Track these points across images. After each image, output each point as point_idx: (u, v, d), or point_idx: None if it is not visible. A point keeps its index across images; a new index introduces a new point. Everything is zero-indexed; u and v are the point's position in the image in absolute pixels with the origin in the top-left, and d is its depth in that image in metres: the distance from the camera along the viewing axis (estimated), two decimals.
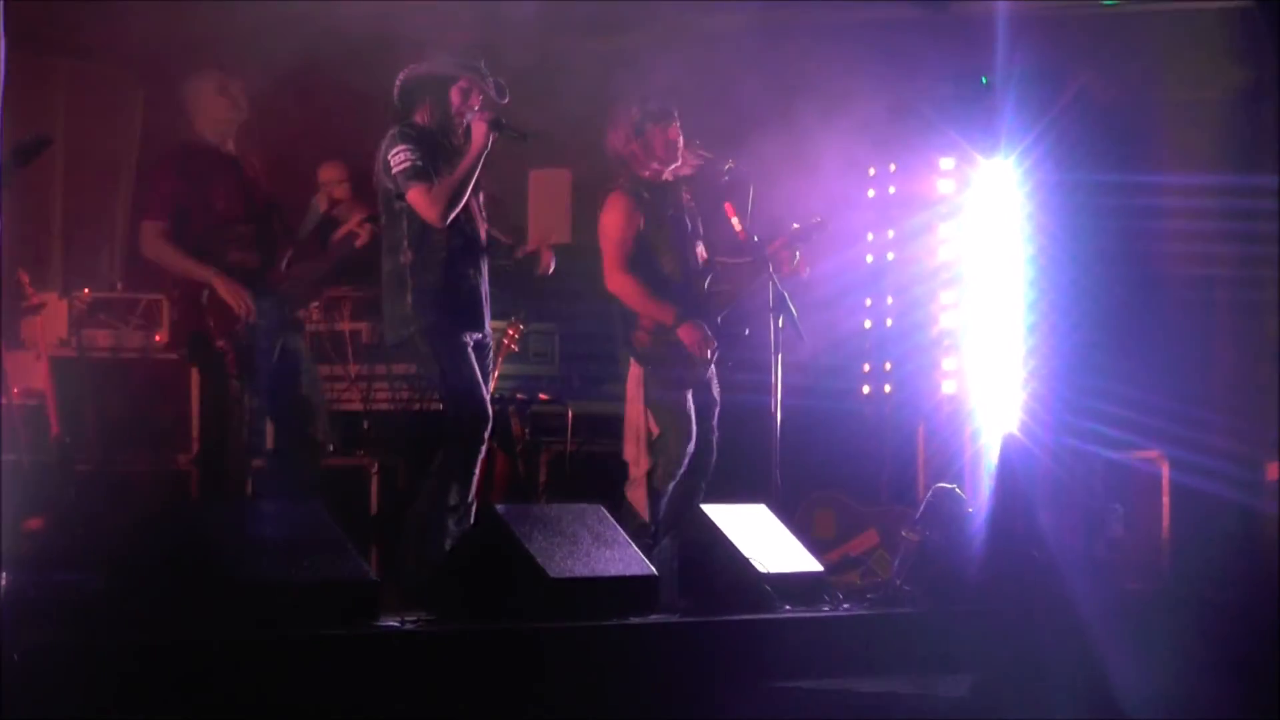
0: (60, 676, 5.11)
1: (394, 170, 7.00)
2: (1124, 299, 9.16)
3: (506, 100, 7.14)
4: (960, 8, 9.40)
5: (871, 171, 9.56)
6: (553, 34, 8.97)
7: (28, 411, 7.73)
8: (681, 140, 7.60)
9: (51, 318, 8.08)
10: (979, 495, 8.14)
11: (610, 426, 8.01)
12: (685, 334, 7.48)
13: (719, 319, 7.61)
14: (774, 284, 7.61)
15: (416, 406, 8.33)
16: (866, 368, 9.58)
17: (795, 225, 7.72)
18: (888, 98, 9.12)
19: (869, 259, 9.57)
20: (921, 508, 7.85)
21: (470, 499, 7.03)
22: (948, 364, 9.46)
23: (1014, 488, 8.04)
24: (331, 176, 8.76)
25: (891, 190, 9.57)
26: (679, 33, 9.34)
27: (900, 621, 7.13)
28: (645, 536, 7.26)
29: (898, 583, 7.59)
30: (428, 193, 6.96)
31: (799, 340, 7.67)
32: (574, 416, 8.83)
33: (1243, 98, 9.39)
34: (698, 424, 7.55)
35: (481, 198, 7.24)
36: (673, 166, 7.61)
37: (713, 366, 7.63)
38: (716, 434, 7.66)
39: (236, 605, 5.69)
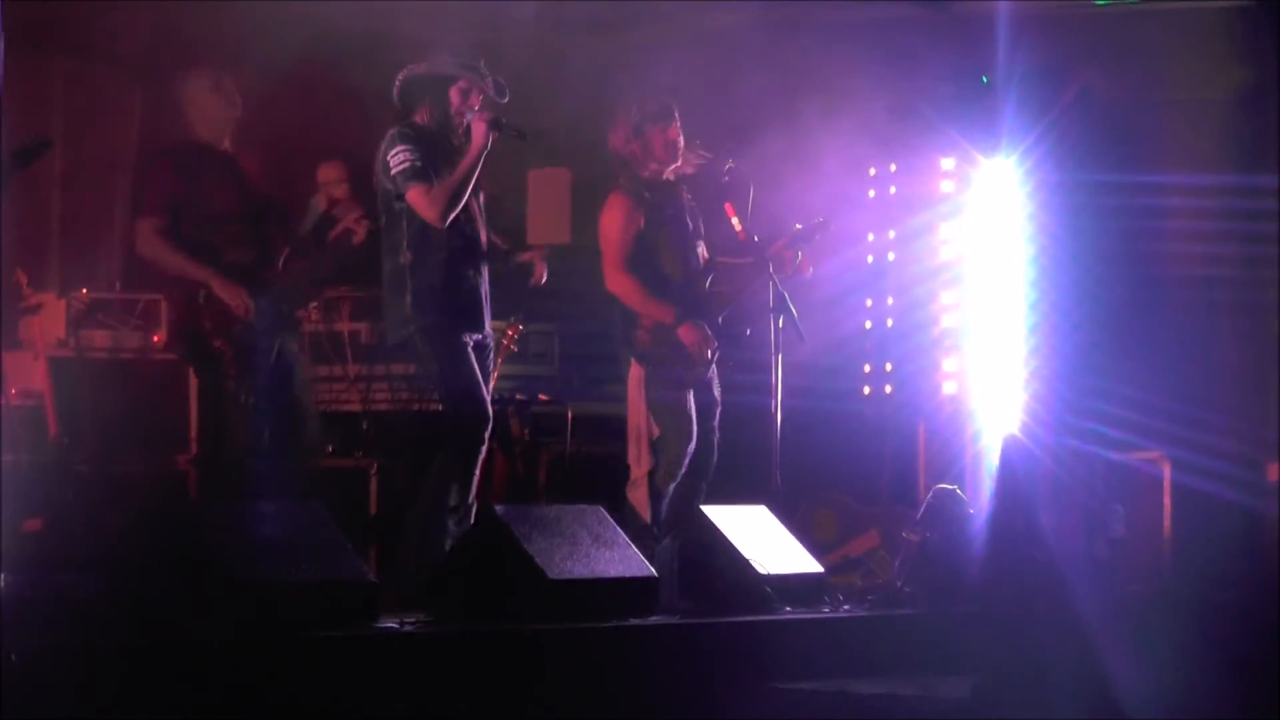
0: (59, 677, 5.12)
1: (393, 171, 6.99)
2: (1125, 299, 9.15)
3: (506, 100, 7.13)
4: (961, 7, 9.39)
5: (872, 171, 9.55)
6: (553, 33, 8.96)
7: (26, 412, 7.72)
8: (682, 140, 7.59)
9: (49, 318, 8.07)
10: (980, 496, 8.13)
11: (610, 427, 8.01)
12: (685, 334, 7.47)
13: (719, 319, 7.60)
14: (774, 284, 7.60)
15: (416, 407, 8.31)
16: (867, 368, 9.58)
17: (797, 225, 7.71)
18: (888, 97, 9.12)
19: (870, 259, 9.56)
20: (922, 508, 7.85)
21: (470, 500, 7.03)
22: (949, 364, 9.45)
23: (1015, 488, 8.02)
24: (331, 176, 8.74)
25: (892, 190, 9.56)
26: (679, 32, 9.33)
27: (901, 622, 7.12)
28: (648, 538, 7.24)
29: (898, 584, 7.59)
30: (427, 193, 6.95)
31: (799, 340, 7.66)
32: (573, 417, 8.82)
33: (1244, 97, 9.38)
34: (699, 425, 7.54)
35: (482, 198, 7.23)
36: (673, 166, 7.60)
37: (714, 367, 7.61)
38: (718, 435, 7.65)
39: (235, 606, 5.69)
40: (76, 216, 9.45)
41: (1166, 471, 8.85)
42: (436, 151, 7.03)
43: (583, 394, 8.96)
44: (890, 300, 9.54)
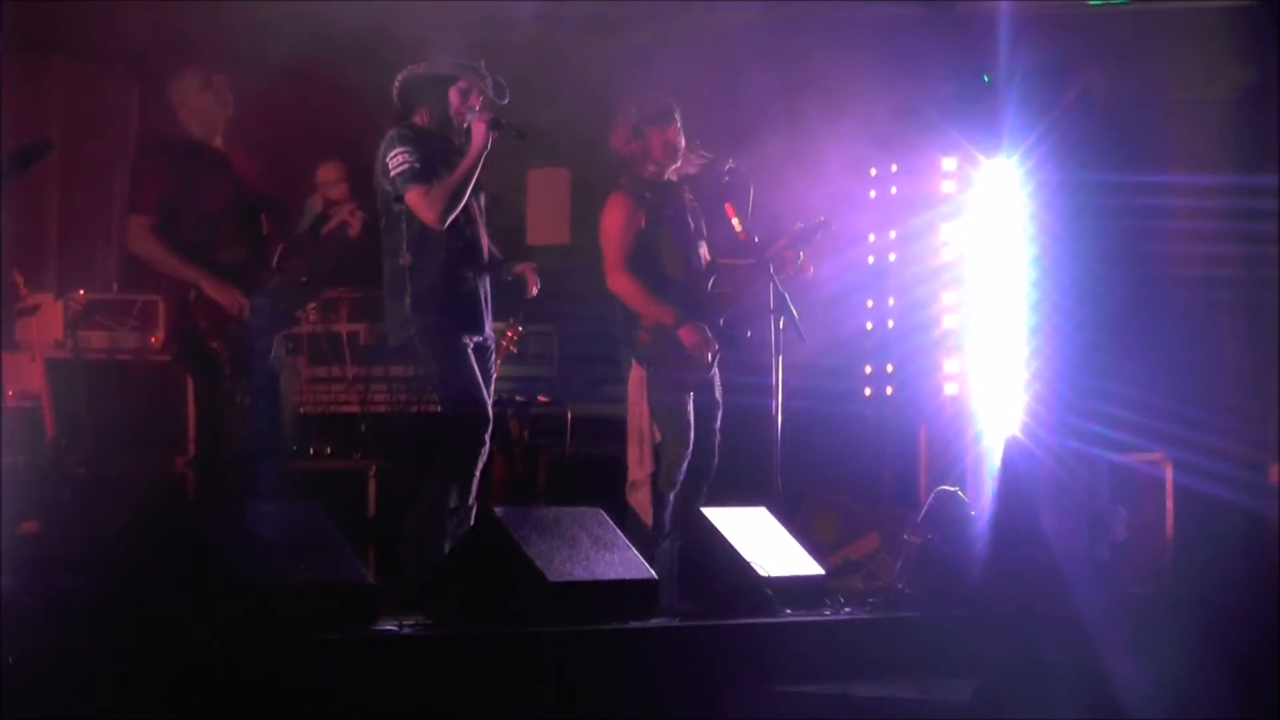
0: (56, 679, 5.12)
1: (392, 173, 6.97)
2: (1127, 300, 9.14)
3: (506, 101, 7.11)
4: (963, 7, 9.38)
5: (873, 171, 9.54)
6: (552, 33, 8.95)
7: (23, 414, 7.70)
8: (683, 141, 7.57)
9: (46, 319, 8.05)
10: (981, 498, 8.12)
11: (610, 429, 7.98)
12: (686, 336, 7.45)
13: (720, 321, 7.58)
14: (775, 285, 7.58)
15: (415, 409, 8.29)
16: (868, 369, 9.55)
17: (798, 225, 7.69)
18: (890, 97, 9.10)
19: (871, 260, 9.54)
20: (923, 510, 7.84)
21: (470, 502, 7.01)
22: (950, 366, 9.43)
23: (1016, 490, 8.01)
24: (330, 176, 8.74)
25: (893, 190, 9.54)
26: (680, 32, 9.31)
27: (902, 625, 7.12)
28: (650, 541, 7.22)
29: (899, 586, 7.58)
30: (426, 194, 6.93)
31: (800, 341, 7.64)
32: (573, 418, 8.80)
33: (1246, 97, 9.37)
34: (700, 427, 7.52)
35: (483, 199, 7.21)
36: (674, 167, 7.58)
37: (715, 369, 7.59)
38: (719, 437, 7.63)
39: (233, 608, 5.67)
40: (74, 217, 9.44)
41: (1168, 473, 8.83)
42: (436, 153, 7.01)
43: (582, 395, 8.94)
44: (891, 301, 9.52)
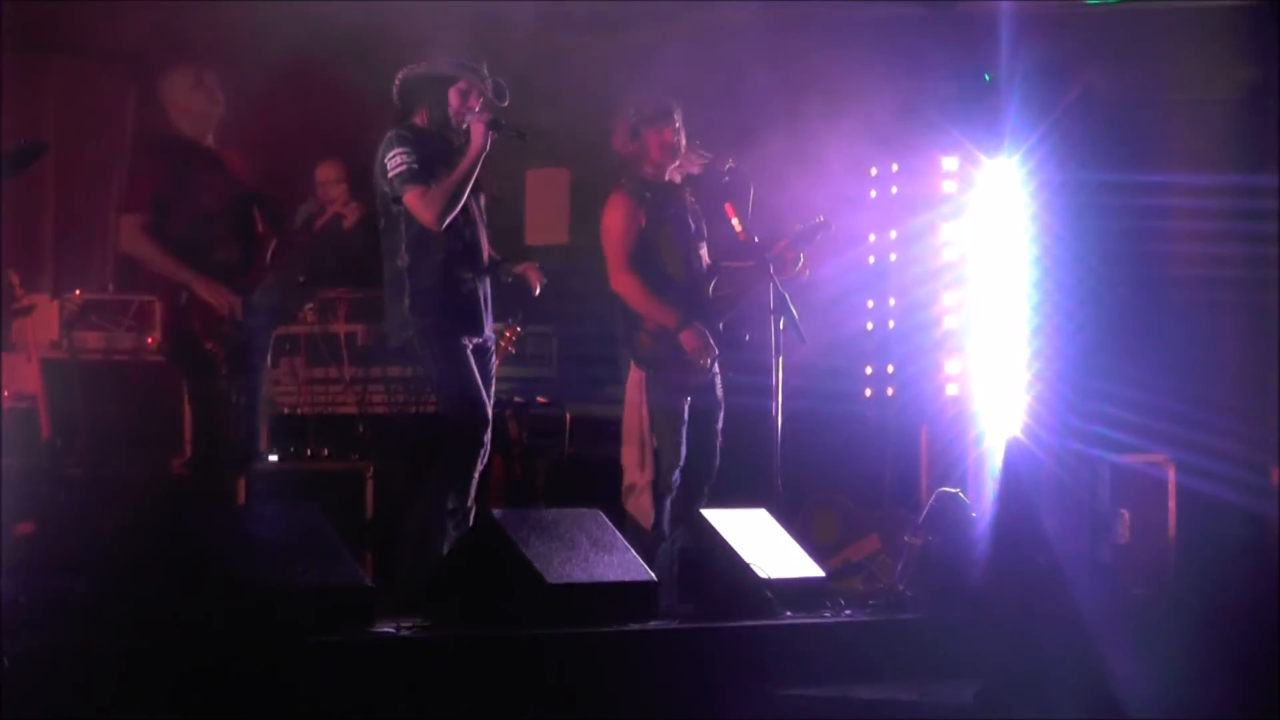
0: (53, 680, 5.11)
1: (390, 174, 6.95)
2: (1129, 300, 9.13)
3: (507, 103, 7.08)
4: (964, 7, 9.37)
5: (874, 171, 9.53)
6: (553, 33, 8.93)
7: (18, 415, 7.69)
8: (683, 140, 7.55)
9: (42, 320, 8.05)
10: (982, 499, 8.11)
11: (609, 430, 7.96)
12: (687, 340, 7.44)
13: (720, 325, 7.56)
14: (775, 285, 7.56)
15: (413, 410, 8.28)
16: (869, 370, 9.53)
17: (798, 226, 7.68)
18: (891, 97, 9.07)
19: (871, 260, 9.53)
20: (924, 512, 7.83)
21: (469, 503, 6.99)
22: (951, 366, 9.40)
23: (1018, 492, 7.99)
24: (329, 176, 8.72)
25: (894, 190, 9.53)
26: (680, 31, 9.29)
27: (902, 627, 7.10)
28: (651, 545, 7.20)
29: (900, 588, 7.56)
30: (424, 196, 6.91)
31: (800, 342, 7.63)
32: (572, 419, 8.79)
33: (1246, 97, 9.36)
34: (702, 428, 7.53)
35: (483, 200, 7.18)
36: (674, 166, 7.57)
37: (716, 369, 7.57)
38: (720, 438, 7.61)
39: (230, 610, 5.66)
40: (70, 217, 9.43)
41: (1171, 475, 8.81)
42: (435, 153, 7.00)
43: (581, 396, 8.92)
44: (892, 301, 9.51)
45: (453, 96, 7.07)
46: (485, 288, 7.14)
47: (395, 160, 6.94)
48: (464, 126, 7.02)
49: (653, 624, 6.52)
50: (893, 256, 9.52)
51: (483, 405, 7.01)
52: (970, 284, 9.34)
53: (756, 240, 7.62)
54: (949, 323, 9.41)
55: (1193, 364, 9.26)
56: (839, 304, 9.25)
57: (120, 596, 5.77)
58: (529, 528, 6.49)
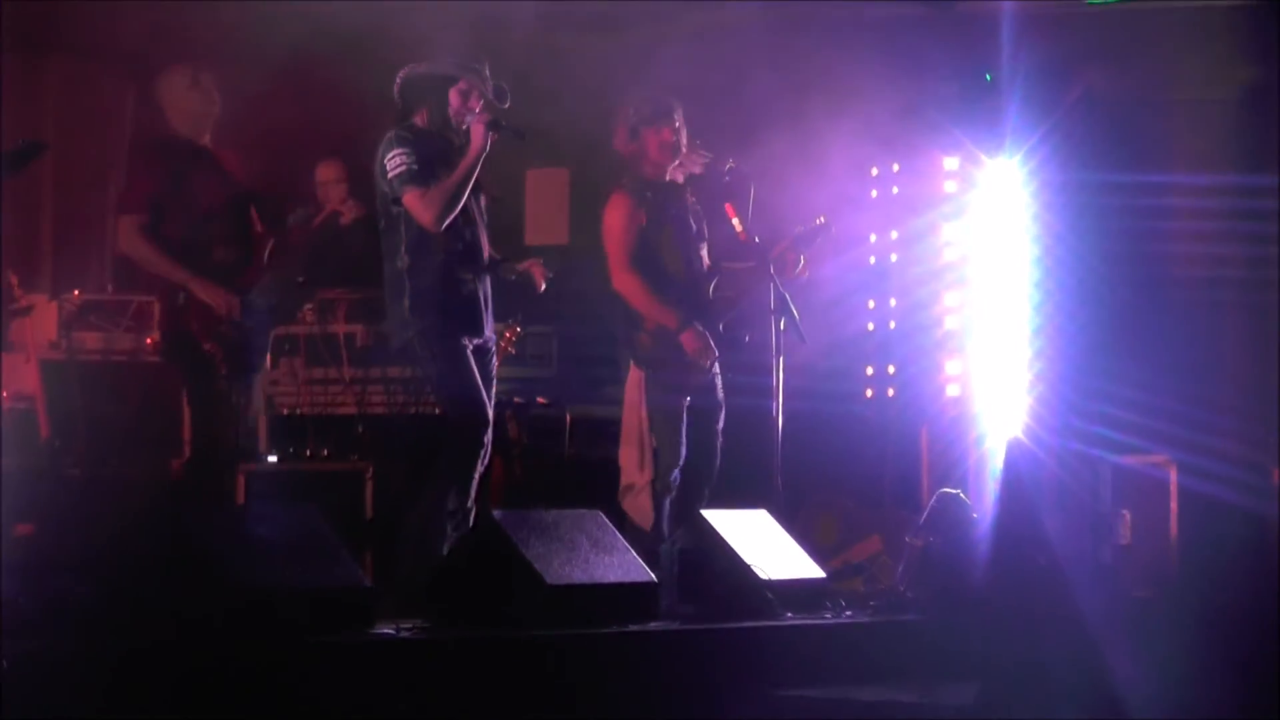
0: (52, 681, 5.11)
1: (390, 174, 6.94)
2: (1130, 300, 9.12)
3: (508, 104, 7.07)
4: (965, 7, 9.37)
5: (875, 171, 9.52)
6: (553, 33, 8.93)
7: (17, 415, 7.70)
8: (683, 140, 7.54)
9: (41, 320, 8.05)
10: (984, 500, 8.09)
11: (609, 431, 7.96)
12: (687, 341, 7.44)
13: (720, 326, 7.55)
14: (775, 286, 7.55)
15: (412, 410, 8.27)
16: (869, 370, 9.53)
17: (799, 228, 7.67)
18: (892, 97, 9.07)
19: (872, 260, 9.52)
20: (925, 513, 7.81)
21: (469, 504, 6.98)
22: (952, 367, 9.39)
23: (1019, 492, 7.97)
24: (329, 176, 8.72)
25: (895, 190, 9.53)
26: (681, 31, 9.28)
27: (903, 628, 7.08)
28: (651, 546, 7.19)
29: (901, 589, 7.54)
30: (423, 196, 6.90)
31: (801, 342, 7.62)
32: (572, 420, 8.78)
33: (1248, 97, 9.35)
34: (702, 428, 7.52)
35: (483, 201, 7.17)
36: (674, 166, 7.57)
37: (716, 370, 7.57)
38: (721, 439, 7.60)
39: (230, 611, 5.64)
40: (69, 217, 9.43)
41: (1173, 476, 8.80)
42: (434, 154, 6.99)
43: (581, 396, 8.91)
44: (893, 302, 9.50)
45: (453, 97, 7.06)
46: (485, 288, 7.13)
47: (395, 161, 6.93)
48: (464, 127, 7.01)
49: (653, 625, 6.50)
50: (894, 257, 9.51)
51: (483, 406, 7.00)
52: (971, 284, 9.33)
53: (757, 241, 7.61)
54: (950, 323, 9.40)
55: (1194, 364, 9.25)
56: (840, 304, 9.25)
57: (120, 597, 5.77)
58: (529, 528, 6.48)
